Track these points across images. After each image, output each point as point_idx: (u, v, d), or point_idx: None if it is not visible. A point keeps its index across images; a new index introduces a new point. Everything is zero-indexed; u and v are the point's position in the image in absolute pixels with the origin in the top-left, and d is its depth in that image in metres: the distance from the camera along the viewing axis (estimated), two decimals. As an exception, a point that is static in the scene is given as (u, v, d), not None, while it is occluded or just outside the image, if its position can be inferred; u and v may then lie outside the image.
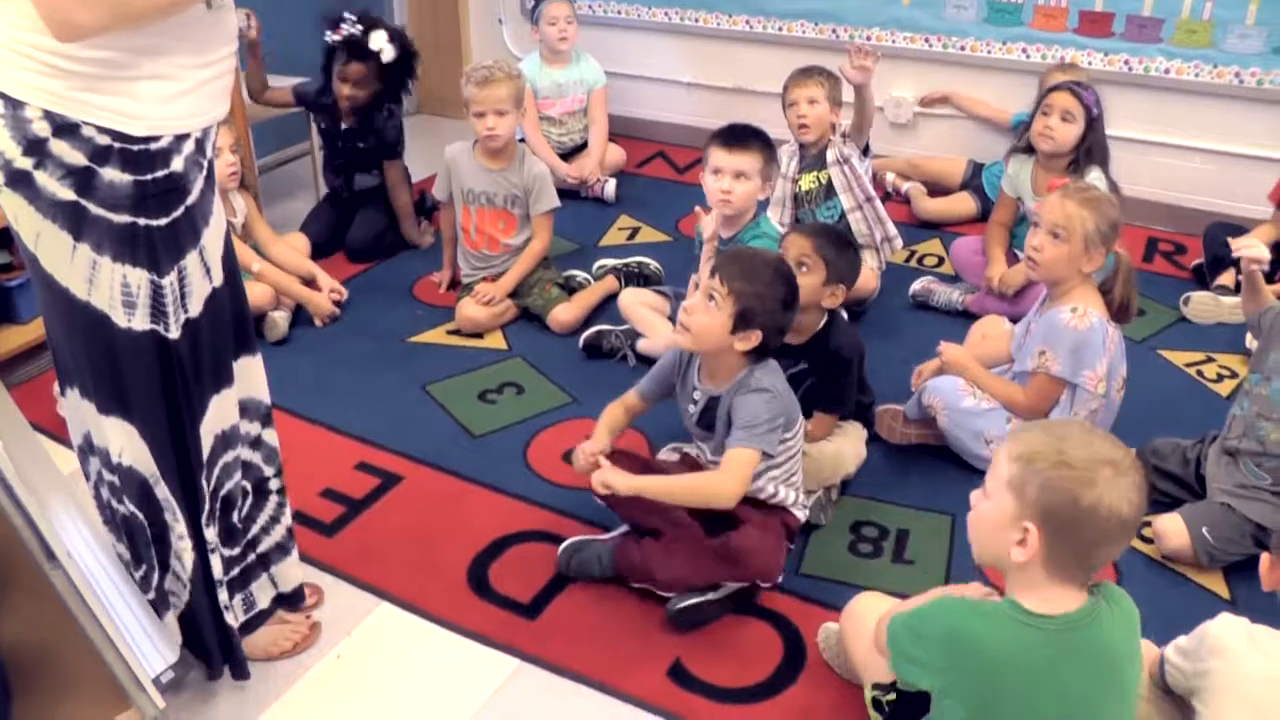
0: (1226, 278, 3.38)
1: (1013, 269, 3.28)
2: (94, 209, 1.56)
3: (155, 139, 1.57)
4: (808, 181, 3.39)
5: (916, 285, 3.48)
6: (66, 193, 1.54)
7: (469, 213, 3.42)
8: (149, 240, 1.61)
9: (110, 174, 1.55)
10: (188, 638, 1.94)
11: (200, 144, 1.66)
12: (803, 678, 2.08)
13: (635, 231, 4.05)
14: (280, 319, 3.29)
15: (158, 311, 1.66)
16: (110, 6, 1.41)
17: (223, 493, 1.90)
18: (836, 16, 4.34)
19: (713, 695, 2.05)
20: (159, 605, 1.88)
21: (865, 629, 1.91)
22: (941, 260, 3.77)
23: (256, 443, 1.98)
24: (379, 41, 3.57)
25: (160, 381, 1.71)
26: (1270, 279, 2.98)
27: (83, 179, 1.54)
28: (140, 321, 1.65)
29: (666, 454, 2.50)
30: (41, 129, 1.50)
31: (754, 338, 2.16)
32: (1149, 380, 2.95)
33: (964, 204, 4.06)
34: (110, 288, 1.62)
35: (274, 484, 2.04)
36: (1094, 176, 3.25)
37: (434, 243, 3.77)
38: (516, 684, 2.09)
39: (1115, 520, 1.48)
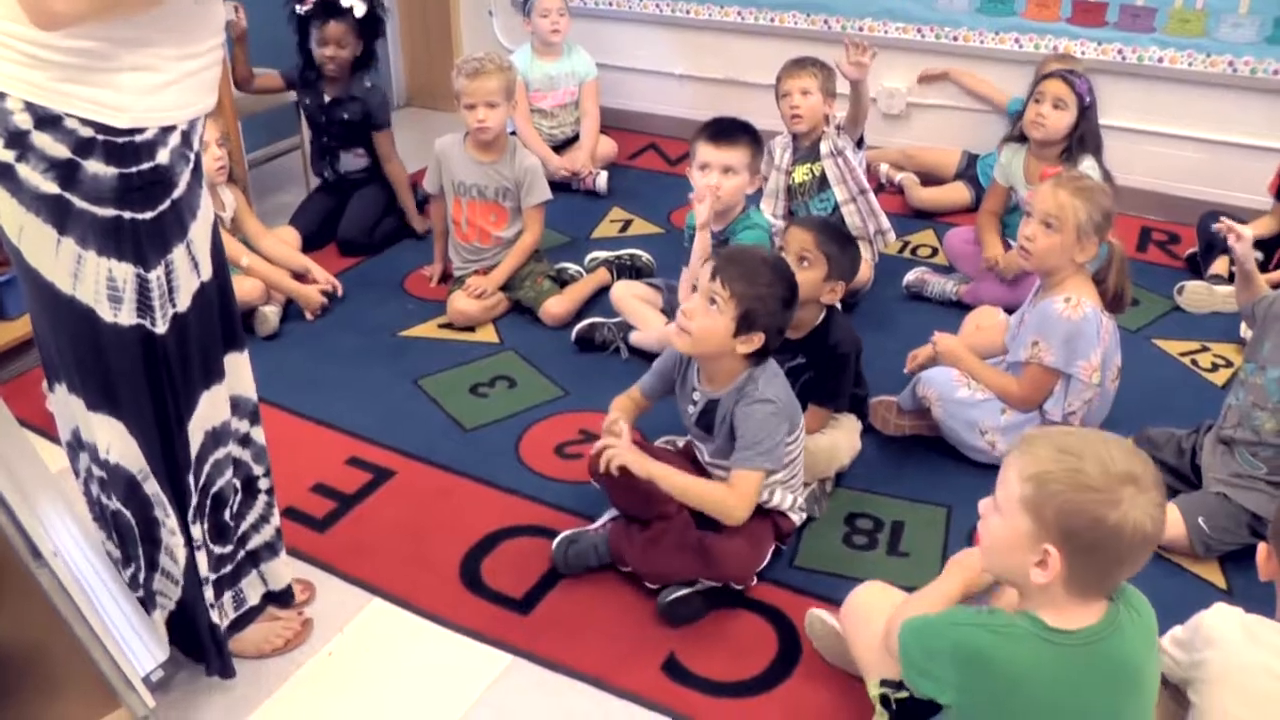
0: (1220, 266, 3.38)
1: (1009, 254, 3.27)
2: (78, 202, 1.54)
3: (139, 131, 1.54)
4: (801, 174, 3.38)
5: (910, 276, 3.47)
6: (50, 186, 1.52)
7: (460, 205, 3.40)
8: (134, 234, 1.59)
9: (94, 167, 1.53)
10: (182, 636, 1.93)
11: (186, 136, 1.64)
12: (798, 671, 2.08)
13: (627, 224, 4.03)
14: (271, 313, 3.27)
15: (144, 306, 1.64)
16: None
17: (214, 490, 1.88)
18: (829, 7, 4.32)
19: (708, 690, 2.04)
20: (147, 604, 1.87)
21: (868, 624, 1.89)
22: (935, 251, 3.76)
23: (245, 440, 1.96)
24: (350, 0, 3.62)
25: (146, 377, 1.69)
26: (1265, 268, 2.97)
27: (66, 172, 1.52)
28: (126, 316, 1.63)
29: (662, 444, 2.48)
30: (23, 121, 1.48)
31: (756, 340, 2.14)
32: (1143, 370, 2.94)
33: (958, 193, 4.05)
34: (95, 282, 1.60)
35: (263, 483, 2.02)
36: (1087, 165, 3.24)
37: (430, 228, 3.75)
38: (510, 680, 2.08)
39: (1140, 538, 1.44)
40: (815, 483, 2.48)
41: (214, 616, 1.90)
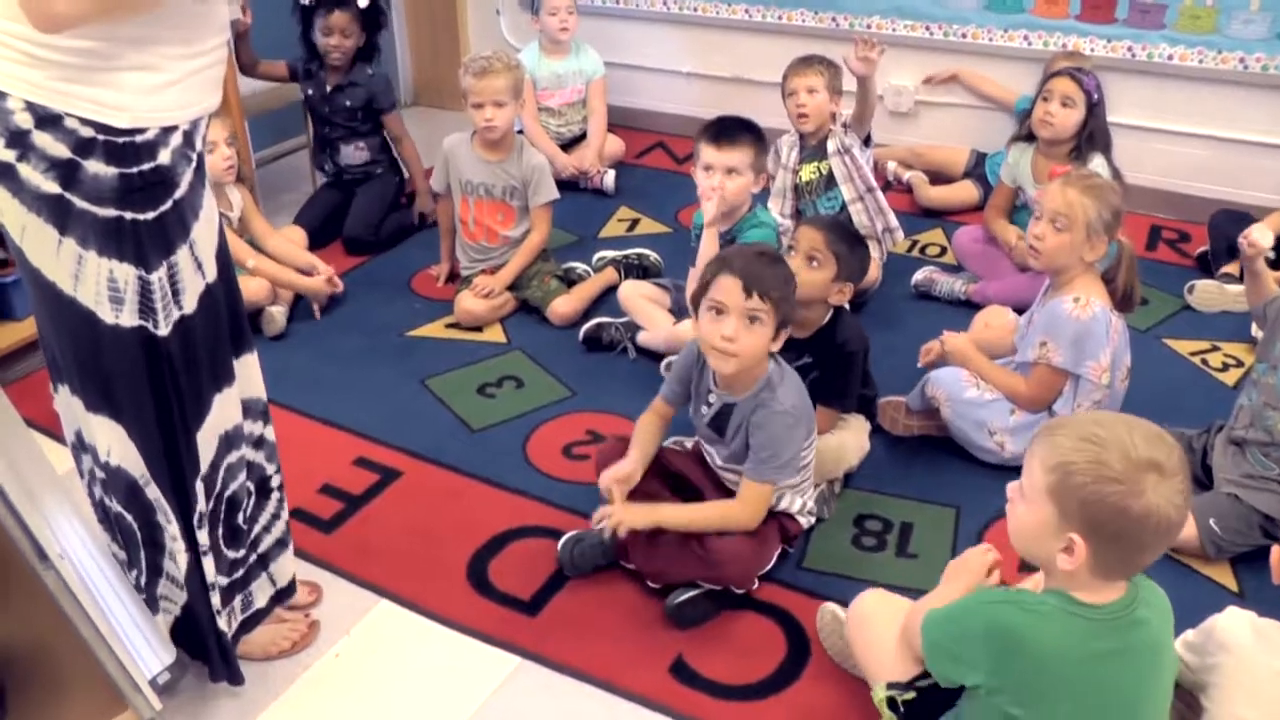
0: (1232, 266, 3.36)
1: (1021, 244, 3.25)
2: (79, 202, 1.53)
3: (140, 131, 1.54)
4: (808, 172, 3.37)
5: (919, 275, 3.46)
6: (51, 186, 1.51)
7: (467, 204, 3.39)
8: (135, 235, 1.58)
9: (94, 167, 1.52)
10: (188, 642, 1.92)
11: (189, 136, 1.62)
12: (807, 674, 2.07)
13: (635, 223, 4.02)
14: (278, 313, 3.27)
15: (146, 307, 1.63)
16: None
17: (228, 494, 1.88)
18: (836, 5, 4.30)
19: (716, 692, 2.04)
20: (151, 607, 1.86)
21: (871, 630, 1.89)
22: (944, 250, 3.74)
23: (259, 442, 1.96)
24: None
25: (149, 380, 1.68)
26: (1275, 266, 2.95)
27: (66, 172, 1.51)
28: (128, 318, 1.63)
29: (671, 444, 2.47)
30: (24, 120, 1.48)
31: (784, 335, 2.15)
32: (1153, 369, 2.92)
33: (967, 192, 4.03)
34: (96, 283, 1.59)
35: (275, 480, 2.02)
36: (1097, 163, 3.23)
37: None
38: (517, 682, 2.08)
39: (1164, 525, 1.45)
40: (824, 484, 2.47)
41: (221, 623, 1.89)
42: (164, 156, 1.58)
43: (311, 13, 3.74)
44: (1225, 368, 3.05)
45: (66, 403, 1.75)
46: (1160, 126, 3.92)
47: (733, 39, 4.62)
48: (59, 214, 1.54)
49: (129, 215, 1.57)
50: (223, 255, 1.78)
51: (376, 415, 2.87)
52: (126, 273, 1.60)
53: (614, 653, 2.12)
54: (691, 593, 2.17)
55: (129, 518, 1.79)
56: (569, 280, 3.46)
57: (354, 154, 3.90)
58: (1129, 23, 3.83)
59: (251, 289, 3.17)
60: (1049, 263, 2.51)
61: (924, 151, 4.25)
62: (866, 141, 3.41)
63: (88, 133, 1.50)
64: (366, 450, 2.74)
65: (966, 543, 2.37)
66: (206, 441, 1.79)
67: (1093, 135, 3.27)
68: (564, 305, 3.31)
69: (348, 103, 3.82)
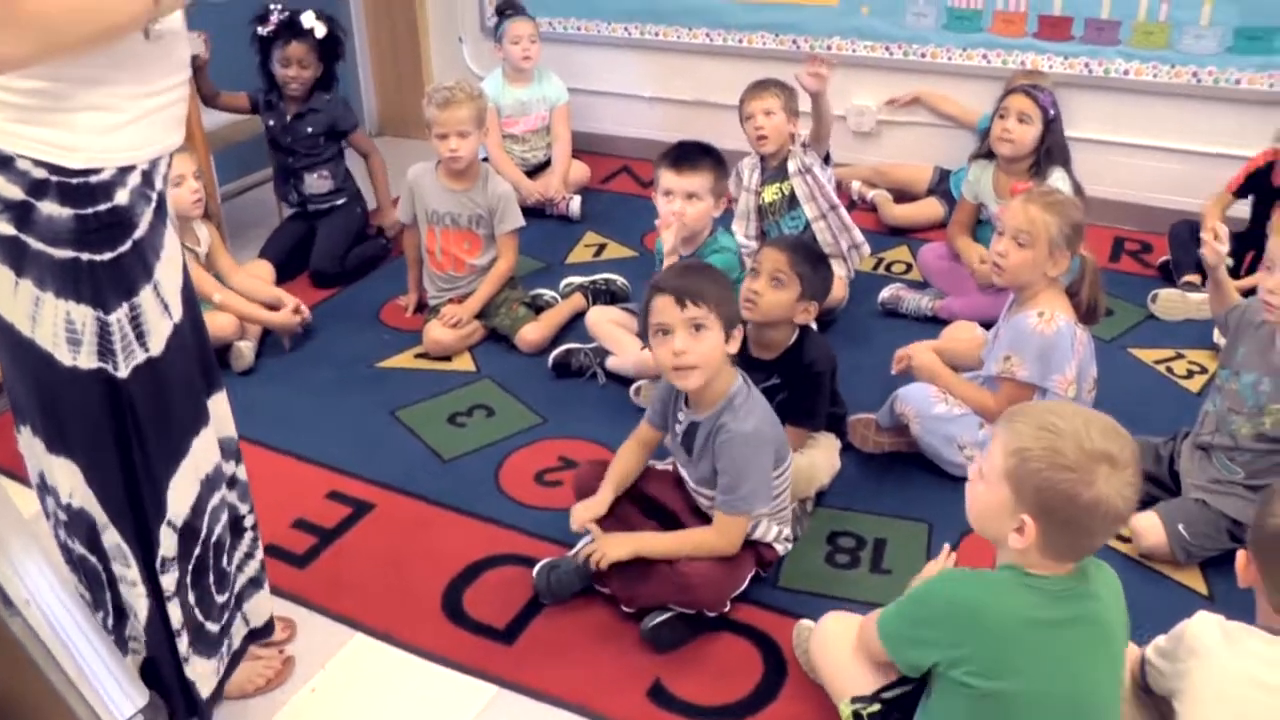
0: (1193, 275, 3.40)
1: (980, 265, 3.28)
2: (34, 244, 1.52)
3: (95, 172, 1.52)
4: (770, 193, 3.39)
5: (885, 293, 3.48)
6: (6, 228, 1.50)
7: (434, 234, 3.39)
8: (93, 276, 1.56)
9: (48, 208, 1.50)
10: (153, 684, 1.90)
11: (148, 176, 1.60)
12: (784, 693, 2.07)
13: (601, 248, 4.04)
14: (246, 349, 3.25)
15: (105, 349, 1.61)
16: (34, 36, 1.36)
17: (213, 539, 1.86)
18: (797, 27, 4.34)
19: (694, 714, 2.03)
20: (120, 648, 1.84)
21: (834, 649, 1.94)
22: (909, 267, 3.77)
23: (232, 481, 1.94)
24: (310, 20, 3.71)
25: (109, 422, 1.66)
26: (1235, 274, 2.99)
27: (20, 213, 1.50)
28: (86, 359, 1.61)
29: (655, 467, 2.47)
30: None
31: (738, 335, 2.16)
32: (1119, 379, 2.95)
33: (931, 209, 4.06)
34: (54, 324, 1.57)
35: (248, 520, 2.01)
36: (1057, 177, 3.26)
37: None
38: (495, 711, 2.07)
39: (1112, 514, 1.54)
40: (796, 503, 2.47)
41: (189, 671, 1.86)
42: (121, 197, 1.56)
43: (270, 44, 3.75)
44: (1190, 375, 3.09)
45: (29, 444, 1.73)
46: (1119, 140, 3.98)
47: (694, 63, 4.65)
48: (14, 255, 1.52)
49: (85, 256, 1.55)
50: (188, 293, 1.76)
51: (348, 448, 2.86)
52: (84, 314, 1.58)
53: (591, 678, 2.12)
54: (666, 615, 2.17)
55: (92, 560, 1.78)
56: (537, 307, 3.47)
57: (317, 183, 3.90)
58: (1085, 40, 3.89)
59: (218, 324, 3.15)
60: (1012, 279, 2.54)
61: (887, 170, 4.29)
62: (826, 160, 3.43)
63: (40, 174, 1.48)
64: (338, 483, 2.72)
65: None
66: (186, 485, 1.77)
67: (1051, 150, 3.30)
68: (532, 332, 3.31)
69: (309, 129, 3.83)
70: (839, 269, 3.32)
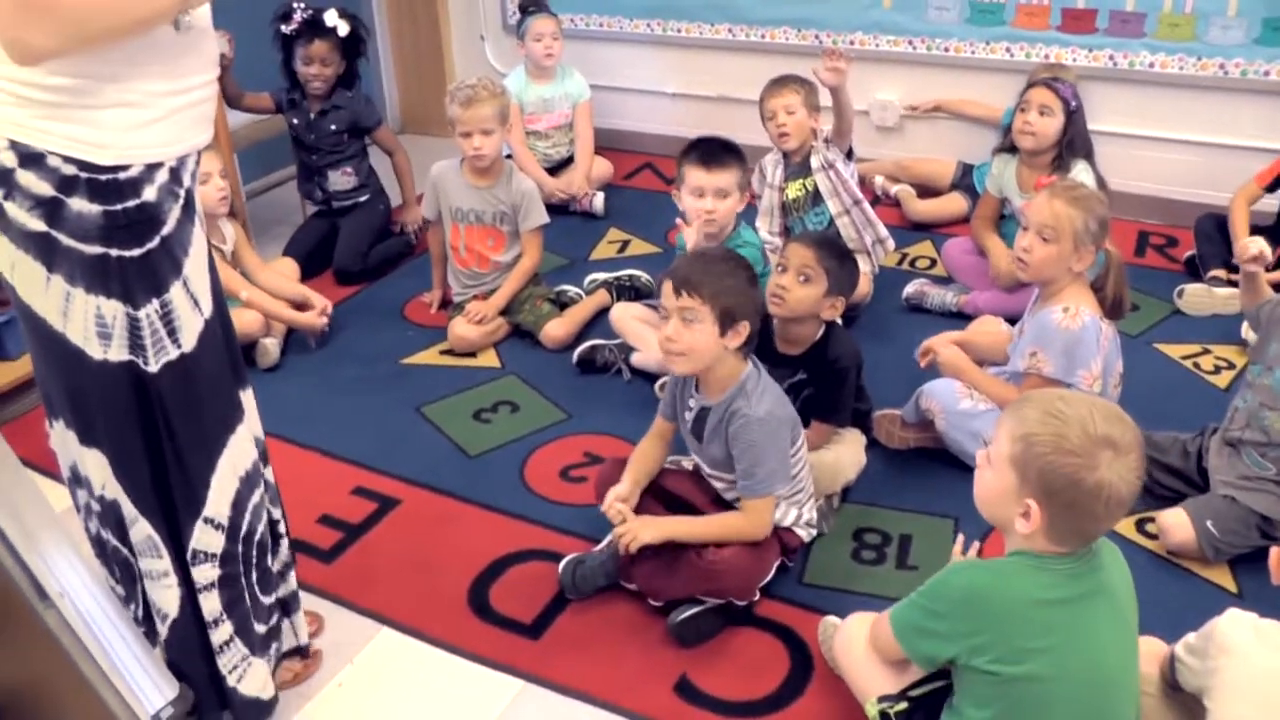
0: (1220, 270, 3.37)
1: (1007, 264, 3.26)
2: (64, 240, 1.53)
3: (123, 168, 1.53)
4: (794, 189, 3.38)
5: (910, 288, 3.47)
6: (37, 224, 1.52)
7: (458, 231, 3.41)
8: (122, 271, 1.58)
9: (78, 204, 1.52)
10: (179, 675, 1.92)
11: (175, 173, 1.61)
12: (811, 689, 2.07)
13: (625, 244, 4.04)
14: (271, 345, 3.27)
15: (135, 344, 1.63)
16: (65, 27, 1.38)
17: (256, 538, 1.87)
18: (818, 22, 4.33)
19: (721, 710, 2.04)
20: (150, 640, 1.86)
21: (858, 651, 1.94)
22: (934, 262, 3.76)
23: (265, 483, 1.96)
24: (333, 18, 3.72)
25: (138, 416, 1.68)
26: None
27: (51, 209, 1.51)
28: (116, 353, 1.62)
29: (670, 465, 2.47)
30: (8, 159, 1.48)
31: (743, 329, 2.14)
32: (1146, 374, 2.93)
33: (955, 204, 4.05)
34: (84, 319, 1.59)
35: (282, 526, 2.01)
36: (1079, 170, 3.25)
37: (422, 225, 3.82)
38: (522, 705, 2.07)
39: (1115, 499, 1.56)
40: (822, 499, 2.47)
41: (221, 663, 1.87)
42: (149, 193, 1.57)
43: (292, 42, 3.77)
44: (1217, 370, 3.06)
45: (61, 437, 1.75)
46: (1144, 134, 3.95)
47: (716, 59, 4.64)
48: (46, 251, 1.54)
49: (114, 252, 1.56)
50: (216, 289, 1.78)
51: (373, 444, 2.87)
52: (114, 309, 1.59)
53: (618, 673, 2.12)
54: (694, 609, 2.17)
55: (124, 551, 1.79)
56: (561, 303, 3.47)
57: (341, 179, 3.92)
58: (1109, 32, 3.87)
59: (245, 321, 3.17)
60: (1037, 274, 2.52)
61: (910, 165, 4.27)
62: (849, 155, 3.42)
63: (70, 170, 1.50)
64: (364, 479, 2.74)
65: (967, 543, 2.38)
66: (226, 482, 1.78)
67: (1073, 142, 3.29)
68: (557, 329, 3.31)
69: (332, 127, 3.85)
70: (863, 264, 3.30)
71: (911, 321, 3.37)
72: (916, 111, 4.32)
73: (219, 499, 1.78)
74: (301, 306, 3.37)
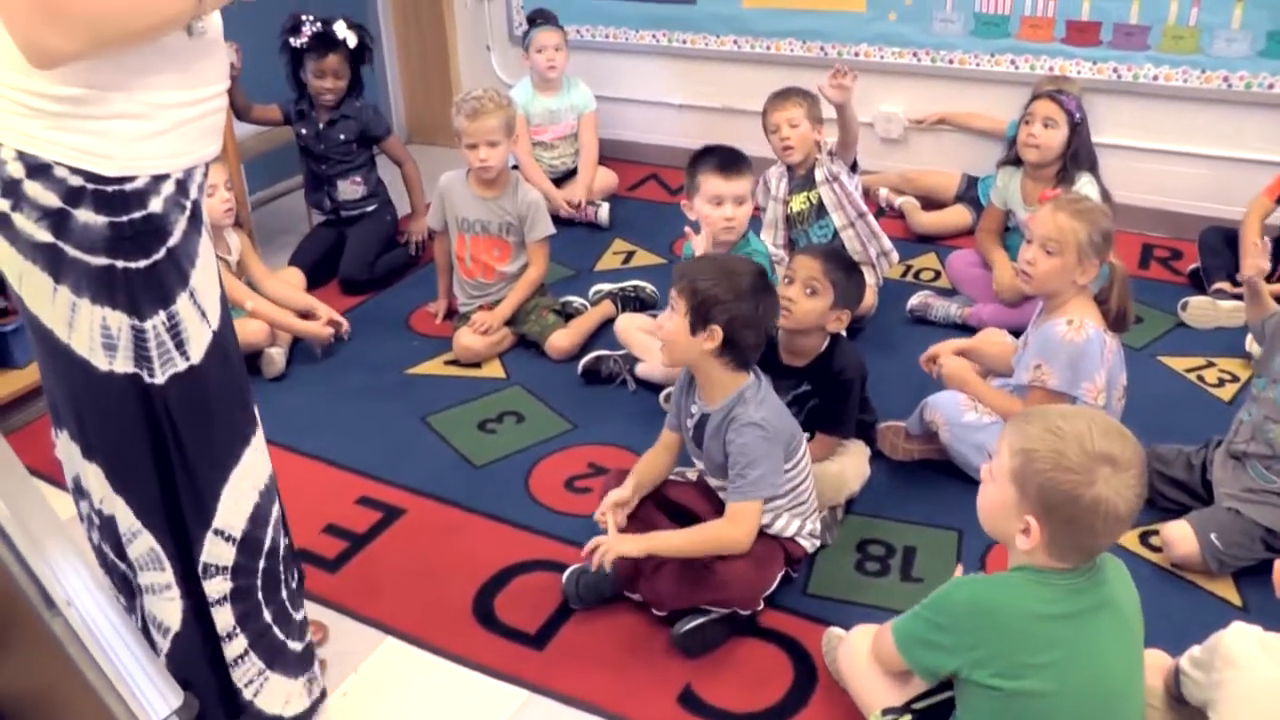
0: (1225, 282, 3.38)
1: (1010, 280, 3.27)
2: (71, 251, 1.53)
3: (129, 179, 1.53)
4: (799, 202, 3.39)
5: (914, 300, 3.48)
6: (44, 234, 1.52)
7: (464, 241, 3.42)
8: (128, 283, 1.58)
9: (84, 215, 1.52)
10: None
11: (182, 185, 1.61)
12: (814, 700, 2.07)
13: (630, 255, 4.05)
14: (277, 355, 3.28)
15: (141, 356, 1.63)
16: (83, 29, 1.38)
17: (280, 552, 1.88)
18: (824, 34, 4.35)
19: (724, 721, 2.03)
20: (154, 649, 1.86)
21: (861, 662, 1.94)
22: (938, 274, 3.77)
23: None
24: (343, 30, 3.74)
25: (145, 429, 1.68)
26: (1269, 279, 2.96)
27: (57, 220, 1.51)
28: (122, 365, 1.62)
29: (675, 476, 2.47)
30: (15, 170, 1.48)
31: (716, 334, 2.13)
32: (1150, 387, 2.93)
33: (959, 216, 4.05)
34: (90, 330, 1.59)
35: (291, 549, 2.00)
36: (1084, 182, 3.26)
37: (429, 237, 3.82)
38: (526, 716, 2.08)
39: (1113, 515, 1.55)
40: (826, 510, 2.47)
41: (235, 678, 1.87)
42: (155, 205, 1.57)
43: (301, 54, 3.78)
44: (1221, 383, 3.06)
45: (66, 447, 1.75)
46: (1149, 146, 3.96)
47: (722, 70, 4.66)
48: (52, 262, 1.54)
49: (120, 263, 1.56)
50: (224, 302, 1.78)
51: (378, 454, 2.88)
52: (119, 320, 1.59)
53: (622, 684, 2.12)
54: (699, 620, 2.17)
55: (122, 567, 1.80)
56: (566, 314, 3.48)
57: (350, 189, 3.94)
58: (1114, 45, 3.88)
59: (250, 331, 3.18)
60: (1041, 287, 2.53)
61: (915, 177, 4.28)
62: (854, 168, 3.43)
63: (76, 181, 1.50)
64: (369, 489, 2.74)
65: (969, 565, 2.38)
66: (240, 495, 1.78)
67: (1077, 154, 3.30)
68: (562, 339, 3.32)
69: (342, 136, 3.87)
70: (868, 276, 3.31)
71: (916, 333, 3.38)
72: (922, 125, 4.33)
73: (230, 511, 1.78)
74: (308, 316, 3.38)
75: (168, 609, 1.81)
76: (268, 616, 1.88)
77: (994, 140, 4.13)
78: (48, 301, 1.58)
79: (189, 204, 1.64)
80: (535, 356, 3.36)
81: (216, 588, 1.80)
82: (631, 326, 3.20)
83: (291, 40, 3.75)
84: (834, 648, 2.10)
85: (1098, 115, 3.68)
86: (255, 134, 4.07)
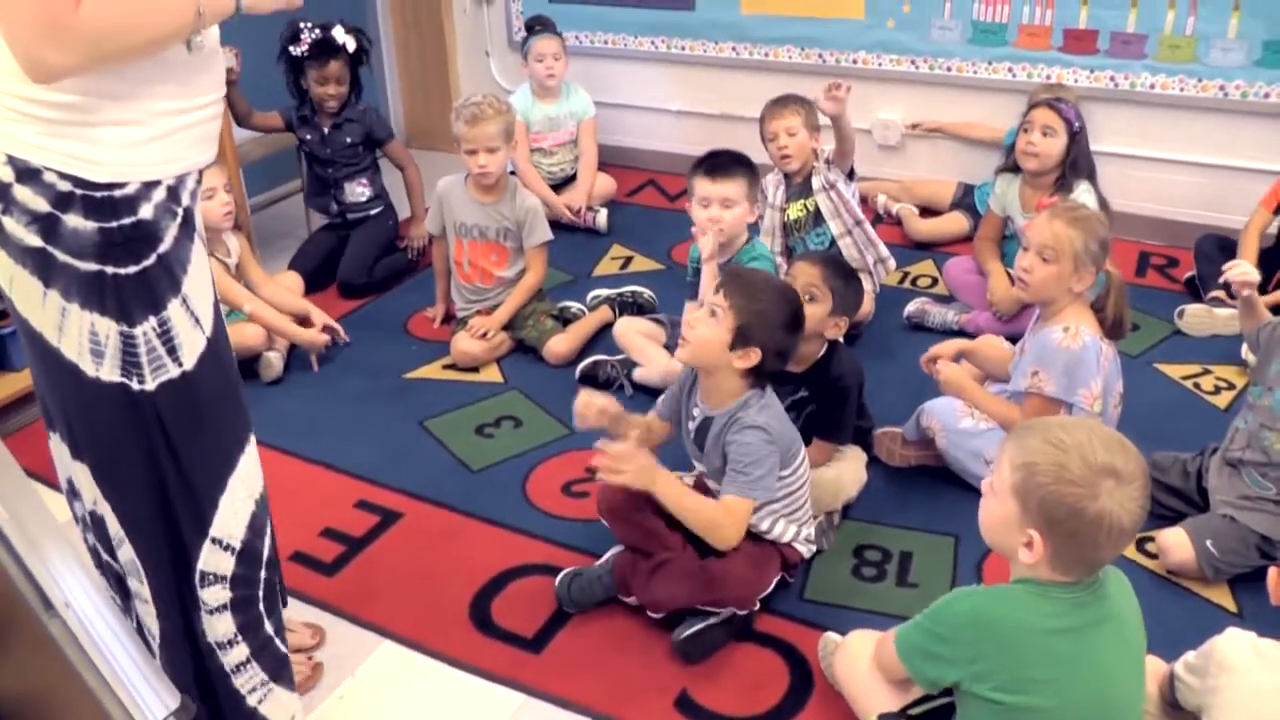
0: (1220, 290, 3.38)
1: (1003, 293, 3.28)
2: (60, 256, 1.52)
3: (119, 186, 1.52)
4: (795, 210, 3.40)
5: (911, 307, 3.49)
6: (33, 239, 1.51)
7: (461, 246, 3.42)
8: (118, 289, 1.56)
9: (73, 221, 1.51)
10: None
11: (174, 191, 1.60)
12: (810, 705, 2.07)
13: (628, 260, 4.05)
14: (275, 359, 3.28)
15: (129, 363, 1.61)
16: (82, 46, 1.38)
17: (275, 562, 1.88)
18: (822, 41, 4.36)
19: (720, 725, 2.04)
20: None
21: (858, 667, 1.94)
22: (935, 281, 3.77)
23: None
24: (342, 36, 3.77)
25: (135, 437, 1.66)
26: (1264, 289, 2.97)
27: (47, 225, 1.51)
28: (109, 372, 1.61)
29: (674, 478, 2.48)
30: (5, 174, 1.48)
31: (752, 355, 2.16)
32: (1146, 394, 2.94)
33: (956, 223, 4.06)
34: (79, 335, 1.58)
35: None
36: (1082, 190, 3.27)
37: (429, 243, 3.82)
38: (522, 719, 2.07)
39: (1117, 529, 1.53)
40: (822, 515, 2.48)
41: (237, 685, 1.86)
42: (145, 211, 1.56)
43: (301, 62, 3.79)
44: (1217, 390, 3.07)
45: (58, 449, 1.74)
46: (1145, 154, 3.97)
47: (721, 76, 4.67)
48: (42, 266, 1.53)
49: (110, 269, 1.55)
50: (217, 307, 1.76)
51: (376, 458, 2.88)
52: (108, 327, 1.58)
53: (618, 688, 2.13)
54: (698, 625, 2.18)
55: (116, 567, 1.80)
56: (564, 319, 3.49)
57: (357, 191, 3.96)
58: (1110, 53, 3.89)
59: (248, 334, 3.19)
60: (1037, 294, 2.53)
61: (910, 185, 4.29)
62: (850, 175, 3.44)
63: (65, 187, 1.49)
64: (367, 493, 2.75)
65: (965, 570, 2.39)
66: (238, 503, 1.77)
67: (1076, 162, 3.31)
68: (560, 344, 3.32)
69: (348, 139, 3.89)
70: (865, 283, 3.32)
71: (913, 340, 3.38)
72: (917, 129, 4.34)
73: (228, 520, 1.77)
74: (304, 322, 3.38)
75: (149, 621, 1.81)
76: (269, 628, 1.87)
77: (990, 148, 4.15)
78: (38, 306, 1.57)
79: (181, 210, 1.63)
80: (533, 361, 3.37)
81: (215, 596, 1.80)
82: (630, 330, 3.21)
83: (292, 49, 3.76)
84: (830, 653, 2.10)
85: (1095, 124, 3.69)
86: (254, 138, 4.07)
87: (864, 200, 3.76)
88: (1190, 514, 2.44)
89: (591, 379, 3.19)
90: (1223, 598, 2.30)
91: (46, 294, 1.56)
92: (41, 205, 1.50)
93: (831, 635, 2.14)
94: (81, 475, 1.71)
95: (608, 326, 3.41)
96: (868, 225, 3.39)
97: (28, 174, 1.49)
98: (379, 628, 2.30)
